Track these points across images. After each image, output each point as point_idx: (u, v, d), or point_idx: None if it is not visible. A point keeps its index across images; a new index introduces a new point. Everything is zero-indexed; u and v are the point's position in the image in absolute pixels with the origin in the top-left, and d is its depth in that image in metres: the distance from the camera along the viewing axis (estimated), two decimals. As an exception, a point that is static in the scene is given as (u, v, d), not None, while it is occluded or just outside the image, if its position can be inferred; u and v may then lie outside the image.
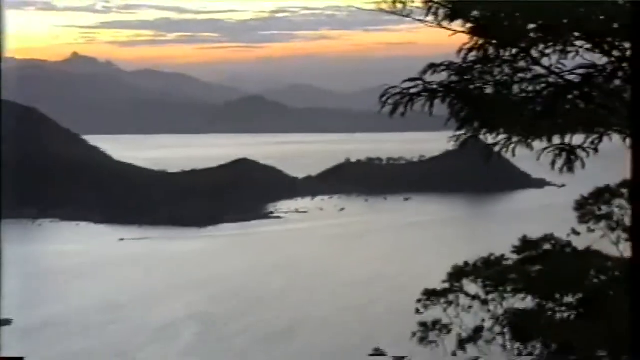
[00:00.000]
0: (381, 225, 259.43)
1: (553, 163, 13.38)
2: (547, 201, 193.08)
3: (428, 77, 15.30)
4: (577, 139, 13.55)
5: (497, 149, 14.42)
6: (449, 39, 16.00)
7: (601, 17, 14.37)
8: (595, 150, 14.01)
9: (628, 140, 11.90)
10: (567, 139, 13.69)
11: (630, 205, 12.44)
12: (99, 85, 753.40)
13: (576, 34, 14.11)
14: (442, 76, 15.39)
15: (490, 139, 14.62)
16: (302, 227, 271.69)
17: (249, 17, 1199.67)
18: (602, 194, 28.37)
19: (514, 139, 13.87)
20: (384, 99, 15.39)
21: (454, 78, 14.62)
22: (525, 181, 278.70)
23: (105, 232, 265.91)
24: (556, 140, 13.58)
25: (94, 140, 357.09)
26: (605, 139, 13.92)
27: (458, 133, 14.79)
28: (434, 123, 17.35)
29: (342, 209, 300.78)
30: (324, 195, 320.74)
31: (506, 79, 14.67)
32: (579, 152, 13.54)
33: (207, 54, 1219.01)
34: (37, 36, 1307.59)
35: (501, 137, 14.27)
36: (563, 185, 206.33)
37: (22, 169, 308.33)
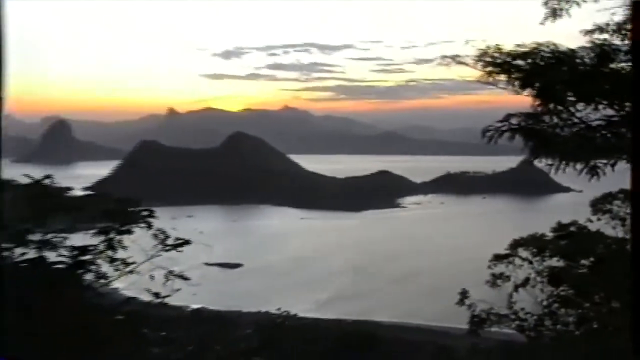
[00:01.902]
0: (467, 212, 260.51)
1: (590, 177, 15.71)
2: (572, 201, 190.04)
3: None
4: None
5: (552, 169, 16.72)
6: (520, 99, 18.58)
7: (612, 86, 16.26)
8: (612, 169, 15.13)
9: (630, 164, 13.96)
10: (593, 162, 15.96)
11: (630, 207, 13.74)
12: (299, 124, 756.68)
13: (597, 98, 16.32)
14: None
15: (546, 162, 17.02)
16: (417, 213, 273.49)
17: (393, 84, 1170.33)
18: (607, 197, 29.06)
19: (561, 162, 16.17)
20: (487, 133, 18.20)
21: (523, 123, 17.09)
22: (556, 187, 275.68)
23: (294, 214, 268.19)
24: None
25: (293, 157, 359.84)
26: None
27: (527, 158, 17.21)
28: (506, 150, 20.02)
29: (442, 203, 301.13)
30: (432, 194, 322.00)
31: (556, 124, 16.95)
32: (601, 170, 15.78)
33: (364, 105, 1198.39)
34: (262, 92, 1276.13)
35: (553, 160, 16.62)
36: (581, 191, 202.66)
37: (254, 173, 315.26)
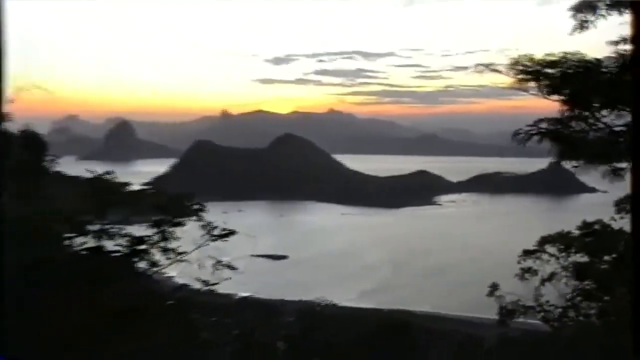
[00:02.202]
0: (499, 211, 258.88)
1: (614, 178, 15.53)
2: (597, 201, 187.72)
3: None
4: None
5: (578, 170, 16.64)
6: (548, 103, 18.49)
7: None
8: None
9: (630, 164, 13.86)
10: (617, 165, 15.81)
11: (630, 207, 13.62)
12: (343, 126, 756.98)
13: (620, 105, 16.19)
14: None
15: (572, 163, 16.97)
16: (451, 210, 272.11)
17: (432, 90, 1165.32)
18: (630, 197, 28.65)
19: (587, 164, 16.07)
20: (517, 136, 18.13)
21: (551, 127, 17.03)
22: (582, 188, 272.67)
23: (337, 210, 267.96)
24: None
25: (337, 157, 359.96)
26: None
27: (554, 159, 17.13)
28: (537, 152, 19.90)
29: (476, 201, 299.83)
30: (466, 192, 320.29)
31: (582, 128, 16.85)
32: (624, 172, 15.61)
33: (404, 109, 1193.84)
34: (309, 96, 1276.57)
35: (580, 162, 16.54)
36: (606, 192, 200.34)
37: (300, 172, 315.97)
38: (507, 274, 31.90)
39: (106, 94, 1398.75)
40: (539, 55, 18.99)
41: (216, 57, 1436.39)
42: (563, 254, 28.28)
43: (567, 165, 16.95)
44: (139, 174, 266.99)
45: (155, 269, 13.79)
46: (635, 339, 10.16)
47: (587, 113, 16.83)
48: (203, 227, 13.80)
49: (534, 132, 17.22)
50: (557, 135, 16.54)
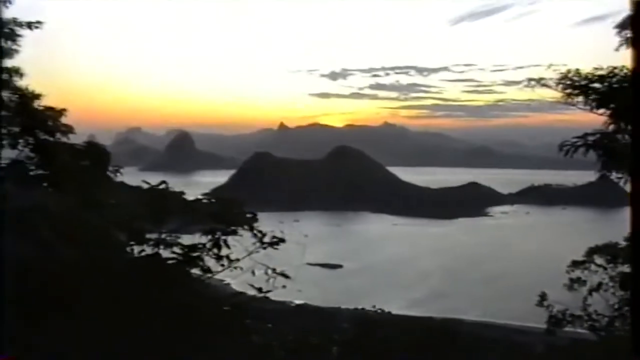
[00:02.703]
0: (549, 222, 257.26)
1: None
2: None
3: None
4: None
5: (621, 181, 16.44)
6: (596, 117, 18.32)
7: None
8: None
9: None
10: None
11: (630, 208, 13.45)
12: (397, 139, 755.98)
13: None
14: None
15: (616, 175, 16.79)
16: (503, 222, 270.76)
17: (484, 104, 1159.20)
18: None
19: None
20: (563, 148, 17.98)
21: (598, 140, 16.90)
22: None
23: (391, 221, 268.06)
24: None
25: (391, 169, 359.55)
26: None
27: (600, 171, 16.99)
28: (586, 164, 19.72)
29: (528, 212, 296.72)
30: (518, 204, 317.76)
31: (627, 141, 16.66)
32: None
33: (457, 123, 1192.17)
34: (364, 110, 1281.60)
35: (624, 174, 16.37)
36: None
37: (355, 183, 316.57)
38: (556, 284, 31.62)
39: (168, 106, 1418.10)
40: (586, 69, 18.90)
41: (276, 72, 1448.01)
42: (610, 264, 28.00)
43: (613, 176, 16.76)
44: (199, 184, 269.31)
45: (209, 275, 13.97)
46: (635, 339, 10.02)
47: (630, 126, 16.63)
48: (254, 235, 13.92)
49: (579, 143, 17.09)
50: (602, 147, 16.37)
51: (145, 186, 14.96)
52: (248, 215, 14.18)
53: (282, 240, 14.12)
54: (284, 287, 14.39)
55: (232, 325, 14.46)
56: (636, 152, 11.06)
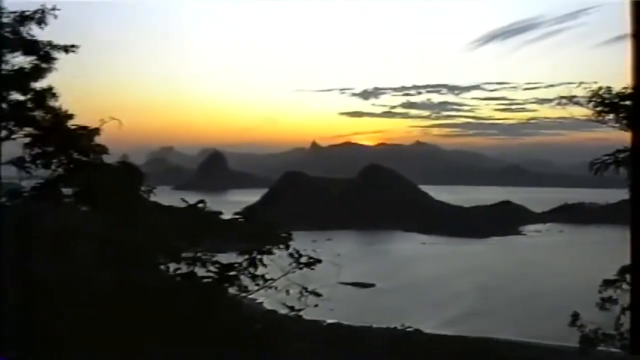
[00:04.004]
0: (583, 241, 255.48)
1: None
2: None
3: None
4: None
5: None
6: (625, 135, 18.22)
7: None
8: None
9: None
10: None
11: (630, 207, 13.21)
12: (429, 157, 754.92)
13: None
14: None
15: None
16: (537, 240, 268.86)
17: (516, 122, 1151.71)
18: None
19: None
20: (593, 166, 18.02)
21: (625, 156, 16.88)
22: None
23: (424, 240, 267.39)
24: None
25: (423, 187, 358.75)
26: None
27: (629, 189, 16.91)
28: (619, 183, 19.62)
29: (561, 231, 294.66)
30: (551, 223, 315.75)
31: None
32: None
33: (489, 141, 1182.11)
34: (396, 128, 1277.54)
35: None
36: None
37: (388, 202, 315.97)
38: (590, 303, 31.43)
39: (201, 126, 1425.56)
40: (617, 87, 18.93)
41: (308, 91, 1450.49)
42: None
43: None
44: (231, 203, 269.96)
45: (244, 294, 14.12)
46: (635, 339, 9.97)
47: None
48: (290, 255, 14.07)
49: (610, 161, 17.11)
50: (632, 164, 16.32)
51: (183, 205, 15.17)
52: (283, 235, 14.31)
53: (319, 261, 14.23)
54: (316, 305, 14.46)
55: (265, 344, 14.54)
56: (636, 153, 11.01)
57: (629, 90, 17.95)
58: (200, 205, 15.25)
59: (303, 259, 14.24)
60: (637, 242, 10.29)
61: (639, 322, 10.30)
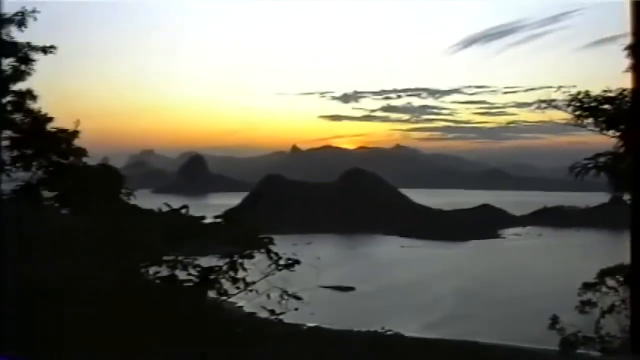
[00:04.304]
0: (562, 244, 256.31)
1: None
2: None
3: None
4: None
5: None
6: (607, 139, 18.41)
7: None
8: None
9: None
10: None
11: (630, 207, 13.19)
12: (409, 161, 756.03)
13: None
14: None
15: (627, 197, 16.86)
16: (515, 243, 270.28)
17: (495, 126, 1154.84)
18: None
19: None
20: (574, 170, 18.12)
21: (609, 162, 17.00)
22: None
23: (403, 243, 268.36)
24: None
25: (404, 191, 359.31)
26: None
27: (610, 192, 17.12)
28: (598, 186, 19.79)
29: (540, 234, 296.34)
30: (530, 226, 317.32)
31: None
32: None
33: (469, 145, 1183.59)
34: (376, 132, 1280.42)
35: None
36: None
37: (368, 205, 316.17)
38: (569, 306, 31.59)
39: (181, 129, 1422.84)
40: (596, 91, 19.08)
41: (287, 94, 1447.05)
42: (622, 286, 27.91)
43: (624, 198, 16.85)
44: (212, 206, 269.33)
45: (224, 298, 14.13)
46: (634, 339, 10.00)
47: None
48: (270, 257, 14.08)
49: (590, 165, 17.23)
50: (612, 169, 16.47)
51: (165, 209, 15.14)
52: (264, 239, 14.33)
53: (297, 262, 14.27)
54: (296, 309, 14.49)
55: (243, 347, 14.55)
56: (636, 156, 11.11)
57: (607, 94, 18.12)
58: (182, 210, 15.23)
59: (282, 261, 14.26)
60: (637, 243, 10.36)
61: (638, 322, 10.32)
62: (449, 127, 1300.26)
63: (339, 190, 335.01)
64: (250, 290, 14.01)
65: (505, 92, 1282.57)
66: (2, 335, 11.85)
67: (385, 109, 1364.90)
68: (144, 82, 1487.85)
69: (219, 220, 15.44)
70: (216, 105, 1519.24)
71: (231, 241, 14.44)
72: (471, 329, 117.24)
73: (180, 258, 14.06)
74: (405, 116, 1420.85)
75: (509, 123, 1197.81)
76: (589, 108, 19.25)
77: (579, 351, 28.94)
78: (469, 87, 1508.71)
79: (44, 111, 19.20)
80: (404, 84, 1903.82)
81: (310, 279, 18.62)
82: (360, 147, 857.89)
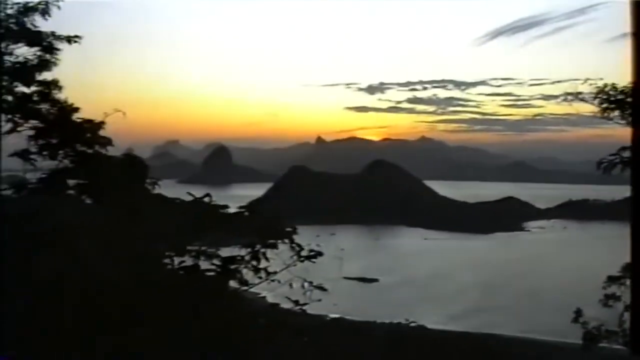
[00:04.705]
0: (587, 237, 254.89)
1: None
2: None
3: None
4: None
5: None
6: (629, 132, 18.21)
7: None
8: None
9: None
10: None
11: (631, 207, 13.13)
12: (434, 153, 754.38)
13: None
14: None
15: None
16: (541, 236, 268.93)
17: (521, 118, 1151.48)
18: None
19: None
20: (601, 165, 17.98)
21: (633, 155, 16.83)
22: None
23: (428, 235, 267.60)
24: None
25: (428, 183, 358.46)
26: None
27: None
28: (624, 179, 19.59)
29: (565, 227, 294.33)
30: (555, 219, 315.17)
31: None
32: None
33: (494, 137, 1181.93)
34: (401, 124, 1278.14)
35: None
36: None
37: (392, 197, 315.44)
38: (593, 299, 31.38)
39: (207, 120, 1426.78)
40: (622, 84, 18.89)
41: (314, 86, 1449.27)
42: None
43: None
44: (236, 197, 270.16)
45: (246, 287, 14.12)
46: (634, 339, 9.92)
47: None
48: (292, 248, 14.05)
49: (616, 160, 17.09)
50: (632, 162, 16.28)
51: (189, 198, 15.18)
52: (288, 230, 14.29)
53: (320, 254, 14.22)
54: (319, 300, 14.45)
55: (266, 338, 14.53)
56: (636, 154, 10.94)
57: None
58: (206, 199, 15.24)
59: (304, 252, 14.22)
60: (637, 241, 10.24)
61: (638, 322, 10.23)
62: (474, 119, 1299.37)
63: (363, 182, 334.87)
64: (272, 280, 14.00)
65: (532, 85, 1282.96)
66: (2, 336, 11.89)
67: (411, 100, 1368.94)
68: (170, 73, 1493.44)
69: (242, 210, 15.41)
70: (242, 97, 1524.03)
71: (254, 232, 14.43)
72: (494, 321, 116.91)
73: (203, 248, 14.07)
74: (431, 108, 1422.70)
75: (535, 115, 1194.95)
76: (615, 101, 19.06)
77: (601, 345, 28.77)
78: (495, 79, 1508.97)
79: (69, 102, 19.21)
80: (430, 75, 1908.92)
81: (334, 269, 18.61)
82: (386, 139, 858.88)
